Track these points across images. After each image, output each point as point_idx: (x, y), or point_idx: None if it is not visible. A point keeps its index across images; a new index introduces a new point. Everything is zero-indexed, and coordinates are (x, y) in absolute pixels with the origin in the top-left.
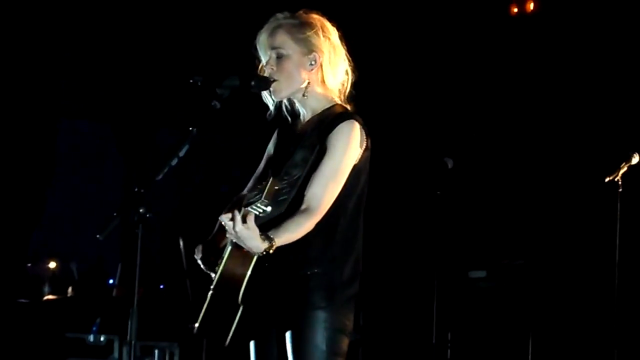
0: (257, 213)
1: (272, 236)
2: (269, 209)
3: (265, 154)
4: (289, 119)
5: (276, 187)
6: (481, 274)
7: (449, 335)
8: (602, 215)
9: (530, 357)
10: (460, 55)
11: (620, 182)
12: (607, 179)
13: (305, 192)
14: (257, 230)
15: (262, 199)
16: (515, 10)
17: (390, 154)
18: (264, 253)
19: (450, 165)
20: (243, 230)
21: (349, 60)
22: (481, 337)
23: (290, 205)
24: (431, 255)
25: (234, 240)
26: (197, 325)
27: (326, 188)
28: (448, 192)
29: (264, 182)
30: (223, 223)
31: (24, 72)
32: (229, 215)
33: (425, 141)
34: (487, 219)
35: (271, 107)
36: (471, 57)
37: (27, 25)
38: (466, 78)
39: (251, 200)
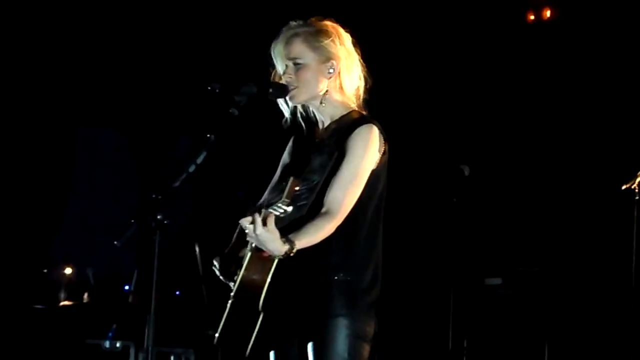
0: (278, 214)
1: (292, 239)
2: (290, 208)
3: (281, 163)
4: (304, 126)
5: (297, 187)
6: (497, 281)
7: (465, 342)
8: (619, 222)
9: None
10: (476, 62)
11: (637, 190)
12: (623, 187)
13: (325, 196)
14: (277, 233)
15: (283, 198)
16: (532, 17)
17: (406, 161)
18: (285, 256)
19: (466, 173)
20: (264, 233)
21: (362, 66)
22: (497, 344)
23: (309, 210)
24: (447, 262)
25: (255, 244)
26: (217, 335)
27: (346, 191)
28: (464, 199)
29: (284, 183)
30: (243, 227)
31: (43, 79)
32: (249, 218)
33: (441, 148)
34: (503, 226)
35: (287, 115)
36: (487, 64)
37: (45, 30)
38: (483, 85)
39: (272, 201)
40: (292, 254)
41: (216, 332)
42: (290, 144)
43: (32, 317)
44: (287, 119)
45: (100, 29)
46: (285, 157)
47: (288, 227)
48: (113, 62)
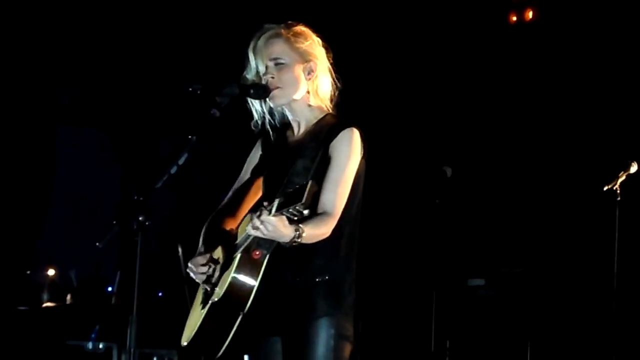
0: (293, 217)
1: (301, 226)
2: (307, 212)
3: (247, 164)
4: (271, 130)
5: (314, 191)
6: (480, 282)
7: (448, 343)
8: (601, 223)
9: None
10: (459, 63)
11: (618, 191)
12: (605, 188)
13: (320, 199)
14: (286, 220)
15: (303, 202)
16: (514, 18)
17: (389, 163)
18: (291, 243)
19: (449, 174)
20: (273, 219)
21: (334, 71)
22: (480, 344)
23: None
24: (430, 264)
25: (265, 237)
26: (189, 339)
27: (338, 193)
28: (447, 200)
29: (296, 187)
30: (252, 225)
31: (23, 80)
32: (255, 218)
33: (424, 150)
34: (485, 227)
35: (256, 117)
36: (470, 65)
37: (27, 32)
38: (465, 86)
39: (284, 204)
40: (300, 239)
41: (184, 337)
42: (258, 146)
43: (15, 319)
44: (256, 121)
45: (83, 30)
46: (253, 160)
47: None
48: (95, 63)
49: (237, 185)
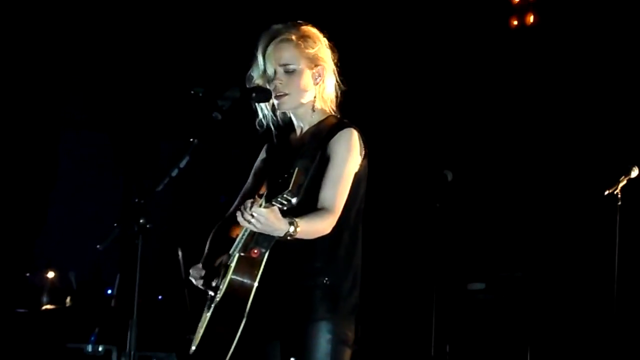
0: (282, 206)
1: (296, 219)
2: (294, 200)
3: (254, 170)
4: (275, 131)
5: (302, 177)
6: (480, 286)
7: (448, 347)
8: (602, 228)
9: None
10: (460, 67)
11: (619, 195)
12: (606, 192)
13: (319, 196)
14: (278, 212)
15: (289, 189)
16: (515, 22)
17: (390, 166)
18: (286, 237)
19: (449, 178)
20: (264, 211)
21: (338, 72)
22: (480, 349)
23: (294, 212)
24: (430, 267)
25: (257, 230)
26: (194, 346)
27: (337, 190)
28: (447, 204)
29: (285, 176)
30: (244, 219)
31: (26, 81)
32: (245, 211)
33: (424, 154)
34: (486, 231)
35: (261, 116)
36: (471, 69)
37: (29, 34)
38: (466, 90)
39: (272, 194)
40: (293, 235)
41: (193, 342)
42: (263, 151)
43: (15, 321)
44: (260, 120)
45: (85, 34)
46: (258, 164)
47: None
48: (97, 67)
49: (243, 191)
